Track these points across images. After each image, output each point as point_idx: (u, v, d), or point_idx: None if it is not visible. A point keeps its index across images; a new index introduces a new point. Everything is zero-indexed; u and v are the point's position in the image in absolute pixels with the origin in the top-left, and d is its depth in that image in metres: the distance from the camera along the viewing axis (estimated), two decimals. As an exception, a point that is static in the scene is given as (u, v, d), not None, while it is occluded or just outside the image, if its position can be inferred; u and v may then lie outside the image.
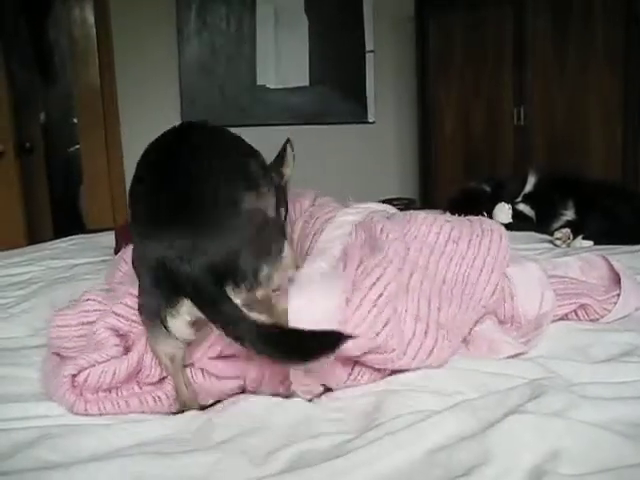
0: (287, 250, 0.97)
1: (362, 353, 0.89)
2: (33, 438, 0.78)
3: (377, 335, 0.88)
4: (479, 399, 0.83)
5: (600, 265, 1.29)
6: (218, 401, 0.92)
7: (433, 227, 1.12)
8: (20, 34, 3.85)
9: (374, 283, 0.93)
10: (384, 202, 1.44)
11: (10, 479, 0.68)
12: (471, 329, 1.05)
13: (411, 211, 1.23)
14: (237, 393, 0.94)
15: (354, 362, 0.92)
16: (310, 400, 0.90)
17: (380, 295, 0.91)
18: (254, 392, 0.93)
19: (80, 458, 0.73)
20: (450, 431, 0.74)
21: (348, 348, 0.83)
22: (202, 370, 0.92)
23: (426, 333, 0.94)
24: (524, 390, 0.84)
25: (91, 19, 4.19)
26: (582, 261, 1.33)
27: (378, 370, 0.93)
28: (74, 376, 0.88)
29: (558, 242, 2.02)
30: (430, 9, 3.71)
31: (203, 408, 0.89)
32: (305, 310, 0.86)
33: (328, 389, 0.92)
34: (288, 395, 0.90)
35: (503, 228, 1.15)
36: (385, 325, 0.89)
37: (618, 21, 3.23)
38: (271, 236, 0.93)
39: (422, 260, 1.07)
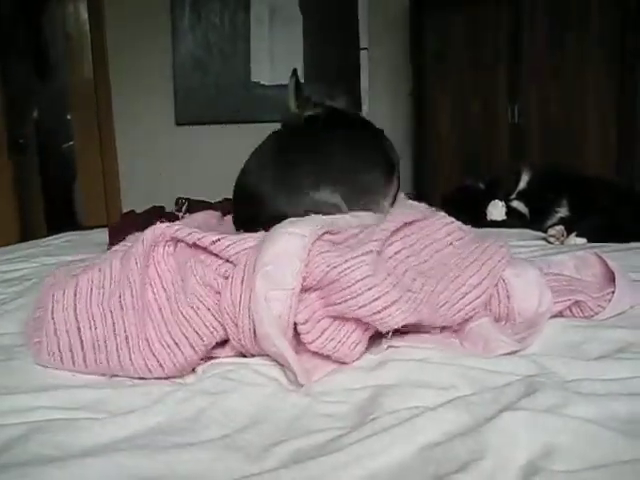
0: None
1: (323, 286, 0.97)
2: (26, 432, 0.78)
3: (333, 268, 0.95)
4: (473, 395, 0.83)
5: (594, 263, 1.30)
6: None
7: (446, 227, 1.18)
8: (14, 30, 3.83)
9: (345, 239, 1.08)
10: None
11: (6, 474, 0.67)
12: (464, 326, 1.06)
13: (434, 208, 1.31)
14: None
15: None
16: (301, 385, 0.91)
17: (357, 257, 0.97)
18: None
19: (74, 453, 0.73)
20: (445, 427, 0.74)
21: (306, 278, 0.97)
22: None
23: (394, 286, 0.95)
24: (518, 387, 0.84)
25: (85, 15, 4.19)
26: (577, 259, 1.33)
27: (361, 331, 0.97)
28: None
29: (552, 239, 2.02)
30: (425, 6, 3.72)
31: None
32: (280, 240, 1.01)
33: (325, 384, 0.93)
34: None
35: (508, 246, 1.19)
36: (345, 262, 0.95)
37: (614, 21, 3.25)
38: None
39: (419, 245, 1.12)
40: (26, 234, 3.48)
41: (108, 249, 1.69)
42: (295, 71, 1.69)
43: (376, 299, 0.93)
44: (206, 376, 0.95)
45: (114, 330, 0.99)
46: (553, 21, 3.41)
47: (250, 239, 1.06)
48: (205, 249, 1.06)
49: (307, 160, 1.30)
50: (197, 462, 0.71)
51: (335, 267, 0.95)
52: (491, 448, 0.69)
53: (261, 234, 1.07)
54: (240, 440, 0.76)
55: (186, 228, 1.07)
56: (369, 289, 0.93)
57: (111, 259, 1.10)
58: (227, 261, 1.05)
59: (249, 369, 0.96)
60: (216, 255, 1.06)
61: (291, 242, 1.00)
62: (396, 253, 1.07)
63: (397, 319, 0.94)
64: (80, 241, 2.26)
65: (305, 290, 0.98)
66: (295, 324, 0.96)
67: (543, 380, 0.86)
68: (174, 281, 1.05)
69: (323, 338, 0.95)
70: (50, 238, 2.40)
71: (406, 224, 1.14)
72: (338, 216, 1.22)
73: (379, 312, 0.93)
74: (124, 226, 1.73)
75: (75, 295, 1.04)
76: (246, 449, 0.74)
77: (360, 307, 0.93)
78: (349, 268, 0.94)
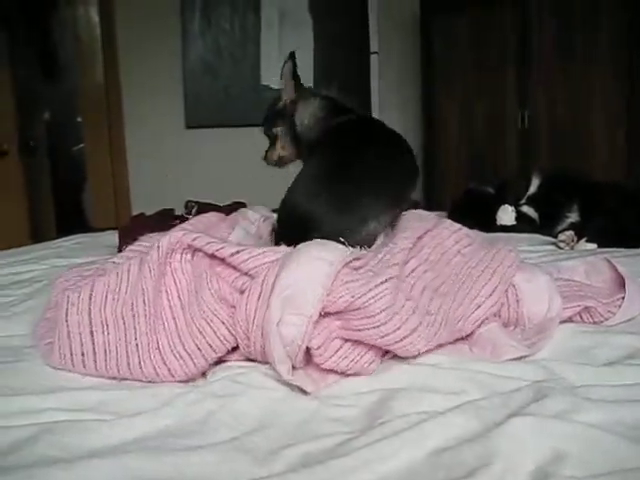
0: None
1: (344, 311, 0.94)
2: (34, 434, 0.78)
3: (358, 298, 0.93)
4: (482, 400, 0.82)
5: (604, 269, 1.29)
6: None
7: (454, 235, 1.18)
8: (25, 33, 3.85)
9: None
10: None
11: (12, 475, 0.68)
12: (473, 332, 1.05)
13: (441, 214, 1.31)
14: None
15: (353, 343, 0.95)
16: (308, 393, 0.90)
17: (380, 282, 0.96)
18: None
19: (81, 454, 0.73)
20: (454, 432, 0.74)
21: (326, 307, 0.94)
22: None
23: (414, 311, 0.95)
24: (527, 392, 0.84)
25: (96, 19, 4.21)
26: (587, 265, 1.32)
27: (376, 351, 0.96)
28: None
29: (562, 244, 2.01)
30: (435, 11, 3.72)
31: None
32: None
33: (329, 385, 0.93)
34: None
35: (517, 251, 1.19)
36: (370, 291, 0.93)
37: (622, 24, 3.24)
38: None
39: (434, 256, 1.12)
40: (36, 236, 3.50)
41: (118, 252, 1.70)
42: (293, 54, 1.61)
43: (398, 328, 0.92)
44: (216, 379, 0.95)
45: (125, 337, 0.99)
46: (561, 23, 3.40)
47: (270, 253, 1.03)
48: (223, 260, 1.04)
49: (360, 195, 1.32)
50: (205, 465, 0.71)
51: (359, 297, 0.93)
52: (500, 453, 0.68)
53: (283, 248, 1.05)
54: (249, 443, 0.76)
55: (205, 237, 1.05)
56: (391, 319, 0.92)
57: (129, 264, 1.08)
58: (245, 274, 1.03)
59: (258, 372, 0.96)
60: (234, 267, 1.03)
61: (317, 267, 0.96)
62: (413, 270, 1.06)
63: (418, 346, 0.94)
64: (90, 243, 2.27)
65: (322, 315, 0.96)
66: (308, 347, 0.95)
67: (552, 385, 0.86)
68: (189, 289, 1.03)
69: (336, 357, 0.94)
70: (60, 240, 2.41)
71: (419, 238, 1.14)
72: None
73: (400, 341, 0.93)
74: (134, 228, 1.73)
75: (90, 299, 1.03)
76: (254, 452, 0.74)
77: (382, 337, 0.92)
78: (373, 298, 0.93)
